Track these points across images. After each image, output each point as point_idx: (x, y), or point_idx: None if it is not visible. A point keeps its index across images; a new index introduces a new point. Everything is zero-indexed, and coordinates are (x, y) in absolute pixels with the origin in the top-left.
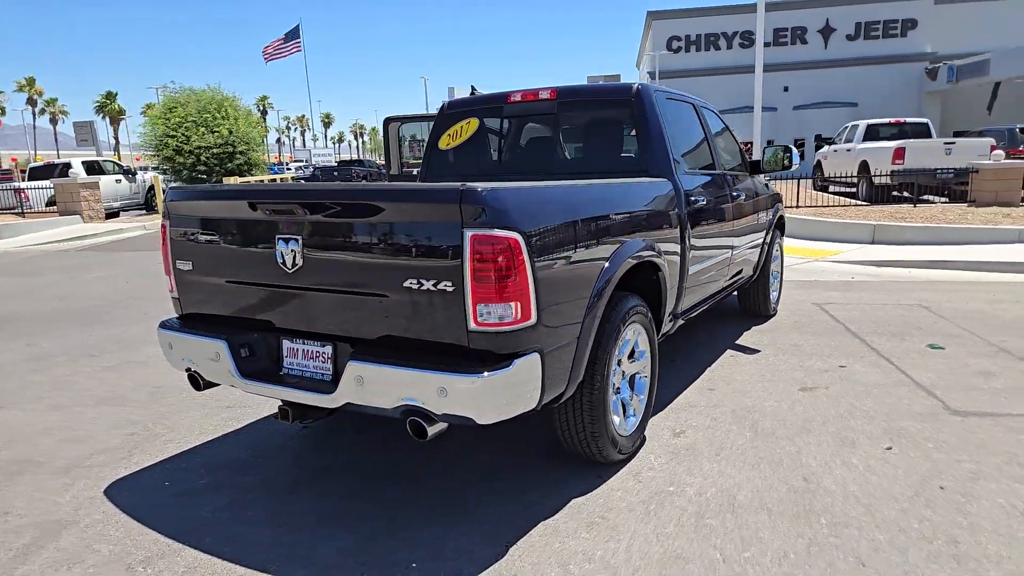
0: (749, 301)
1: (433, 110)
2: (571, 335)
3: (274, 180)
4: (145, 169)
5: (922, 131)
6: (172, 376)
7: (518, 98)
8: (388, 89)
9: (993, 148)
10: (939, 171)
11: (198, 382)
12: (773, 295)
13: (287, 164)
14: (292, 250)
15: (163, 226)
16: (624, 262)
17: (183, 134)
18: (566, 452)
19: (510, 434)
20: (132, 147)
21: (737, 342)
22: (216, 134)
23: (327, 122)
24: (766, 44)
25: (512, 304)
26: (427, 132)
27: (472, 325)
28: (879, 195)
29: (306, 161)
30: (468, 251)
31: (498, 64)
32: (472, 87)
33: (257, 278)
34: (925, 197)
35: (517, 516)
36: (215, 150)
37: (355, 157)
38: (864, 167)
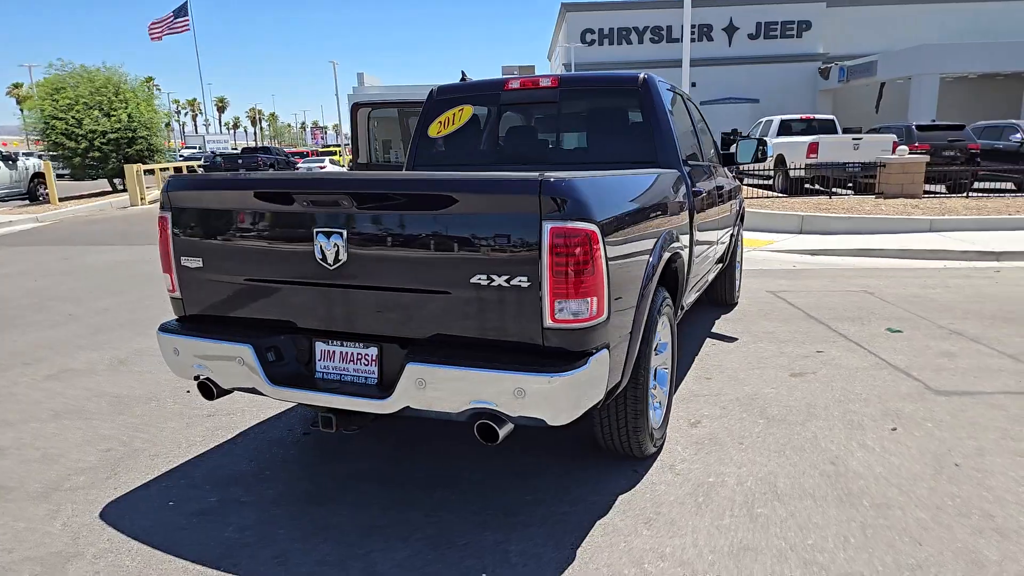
0: (716, 290)
1: (344, 95)
2: (627, 329)
3: (180, 168)
4: (17, 155)
5: (829, 127)
6: (127, 384)
7: (516, 85)
8: (288, 74)
9: (895, 144)
10: (848, 165)
11: (211, 390)
12: (736, 284)
13: (178, 151)
14: (335, 245)
15: (162, 219)
16: (663, 253)
17: (73, 117)
18: (603, 448)
19: (523, 433)
20: None
21: (713, 330)
22: (113, 118)
23: (221, 107)
24: (675, 40)
25: (589, 299)
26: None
27: (548, 322)
28: (794, 187)
29: (199, 148)
30: (546, 244)
31: (407, 52)
32: (463, 73)
33: (288, 275)
34: (834, 190)
35: (569, 516)
36: (112, 135)
37: (258, 144)
38: (780, 160)
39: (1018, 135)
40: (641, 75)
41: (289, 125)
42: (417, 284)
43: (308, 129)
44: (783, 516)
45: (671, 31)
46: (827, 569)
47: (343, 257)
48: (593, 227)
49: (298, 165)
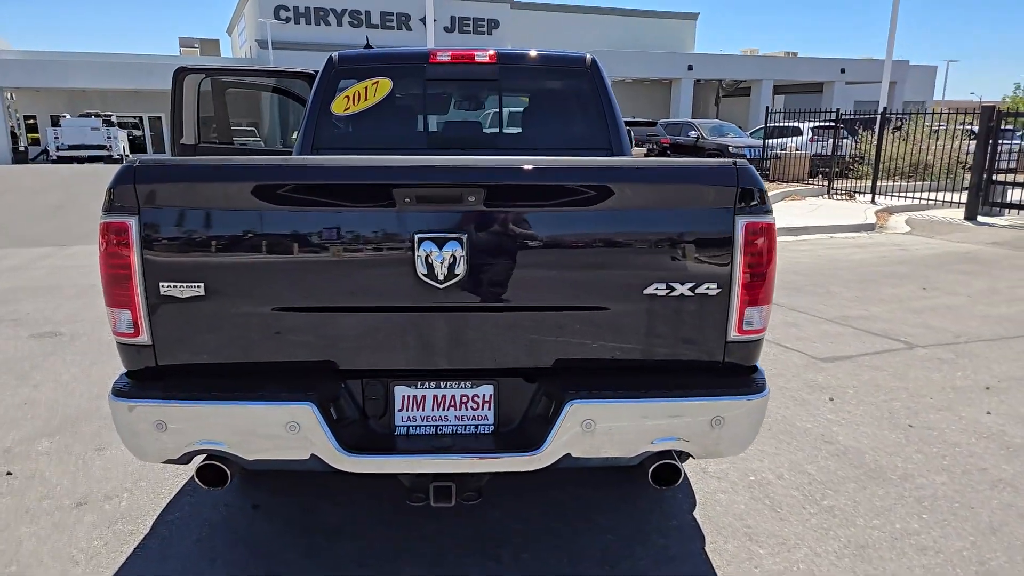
0: None
1: None
2: None
3: None
4: None
5: None
6: None
7: (446, 58)
8: None
9: None
10: None
11: (223, 474)
12: None
13: None
14: (450, 255)
15: (116, 227)
16: None
17: None
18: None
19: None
20: None
21: None
22: None
23: None
24: (374, 25)
25: (767, 306)
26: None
27: (733, 334)
28: None
29: None
30: (740, 242)
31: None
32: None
33: (367, 299)
34: None
35: (672, 550)
36: None
37: None
38: None
39: (693, 132)
40: (588, 56)
41: None
42: (568, 301)
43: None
44: (851, 505)
45: (370, 16)
46: (941, 551)
47: (460, 271)
48: (774, 220)
49: None
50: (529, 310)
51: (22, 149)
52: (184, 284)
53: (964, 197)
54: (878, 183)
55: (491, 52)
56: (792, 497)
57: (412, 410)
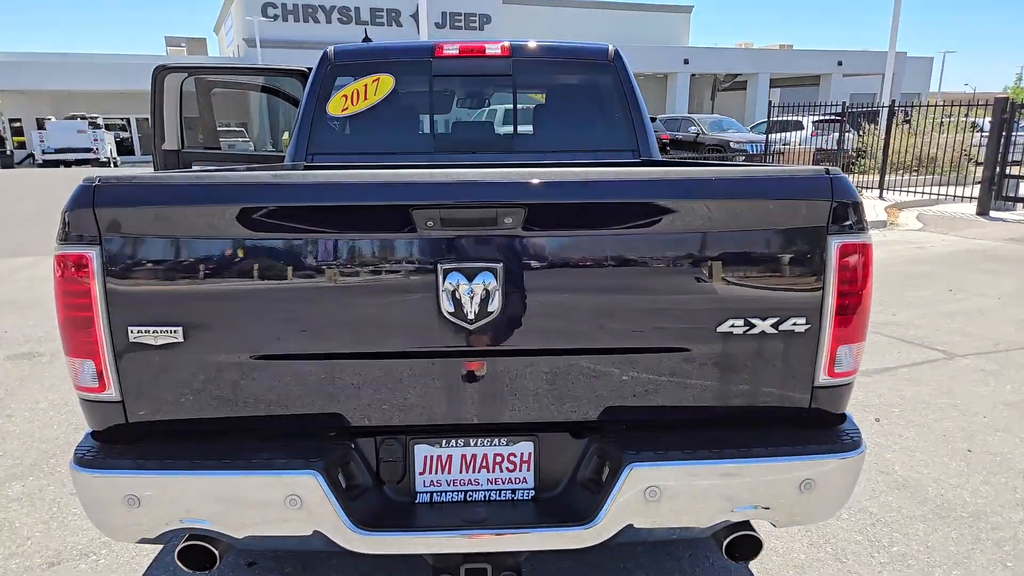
0: None
1: None
2: None
3: None
4: None
5: None
6: None
7: (453, 52)
8: None
9: None
10: None
11: (210, 554)
12: None
13: None
14: (482, 289)
15: (76, 259)
16: None
17: None
18: None
19: None
20: None
21: None
22: None
23: None
24: (364, 22)
25: (859, 345)
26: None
27: (822, 377)
28: None
29: None
30: (833, 268)
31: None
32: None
33: (381, 343)
34: None
35: None
36: None
37: None
38: None
39: (693, 127)
40: (610, 47)
41: None
42: (625, 342)
43: None
44: (924, 551)
45: (359, 13)
46: None
47: (494, 307)
48: (871, 239)
49: None
50: (577, 353)
51: (8, 153)
52: (158, 328)
53: (974, 191)
54: (885, 178)
55: (504, 44)
56: (856, 543)
57: (436, 473)
